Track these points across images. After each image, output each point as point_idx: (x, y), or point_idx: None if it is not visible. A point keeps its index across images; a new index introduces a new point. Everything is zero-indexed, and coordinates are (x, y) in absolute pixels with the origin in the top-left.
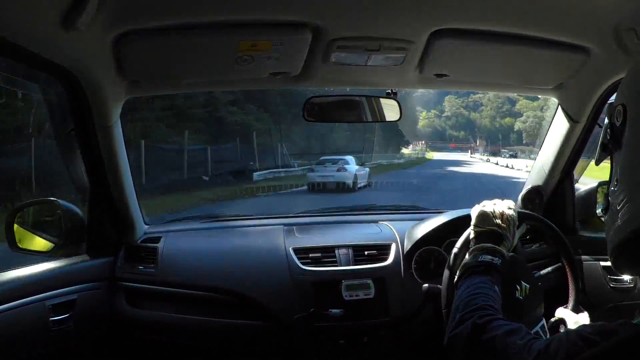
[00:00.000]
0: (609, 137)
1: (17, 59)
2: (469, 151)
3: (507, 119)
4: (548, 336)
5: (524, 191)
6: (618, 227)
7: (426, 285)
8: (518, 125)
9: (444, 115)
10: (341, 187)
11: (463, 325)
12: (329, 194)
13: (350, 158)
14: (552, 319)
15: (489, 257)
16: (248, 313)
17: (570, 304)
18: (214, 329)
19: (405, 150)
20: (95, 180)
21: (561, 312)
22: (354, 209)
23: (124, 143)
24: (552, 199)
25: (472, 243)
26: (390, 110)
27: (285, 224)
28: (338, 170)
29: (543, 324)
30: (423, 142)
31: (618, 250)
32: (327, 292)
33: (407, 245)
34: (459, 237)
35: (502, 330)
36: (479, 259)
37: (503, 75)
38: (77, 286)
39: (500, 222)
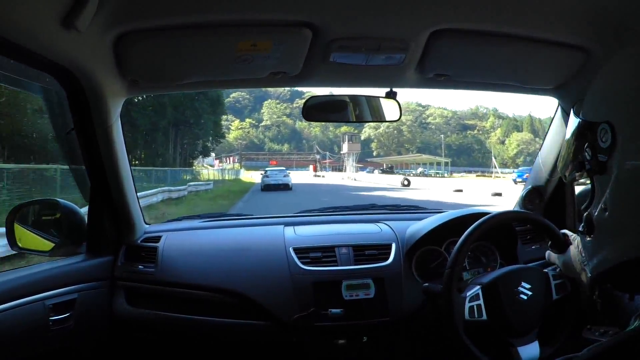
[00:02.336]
0: (589, 158)
1: (17, 59)
2: (312, 168)
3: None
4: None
5: (524, 191)
6: (604, 257)
7: (426, 285)
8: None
9: (262, 124)
10: None
11: None
12: None
13: None
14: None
15: None
16: (248, 313)
17: (552, 245)
18: (214, 328)
19: (205, 170)
20: (95, 180)
21: (549, 256)
22: (354, 209)
23: (123, 142)
24: (552, 199)
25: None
26: (390, 110)
27: (285, 224)
28: None
29: (551, 274)
30: (233, 157)
31: (603, 275)
32: (327, 292)
33: (408, 245)
34: (459, 237)
35: None
36: None
37: (503, 75)
38: (77, 286)
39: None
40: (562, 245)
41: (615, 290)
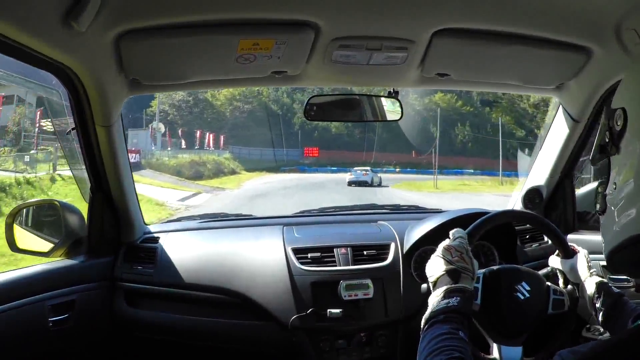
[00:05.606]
0: (607, 140)
1: (18, 57)
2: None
3: None
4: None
5: (524, 191)
6: (616, 232)
7: (425, 285)
8: None
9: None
10: None
11: None
12: None
13: None
14: (546, 269)
15: (445, 301)
16: (247, 313)
17: (559, 251)
18: (213, 328)
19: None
20: (95, 180)
21: (554, 262)
22: (353, 209)
23: (124, 142)
24: (553, 198)
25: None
26: (392, 109)
27: (284, 224)
28: None
29: (553, 288)
30: (212, 135)
31: (614, 253)
32: (326, 292)
33: (406, 245)
34: None
35: None
36: (435, 308)
37: (505, 75)
38: (76, 286)
39: (450, 258)
40: (569, 251)
41: (629, 275)
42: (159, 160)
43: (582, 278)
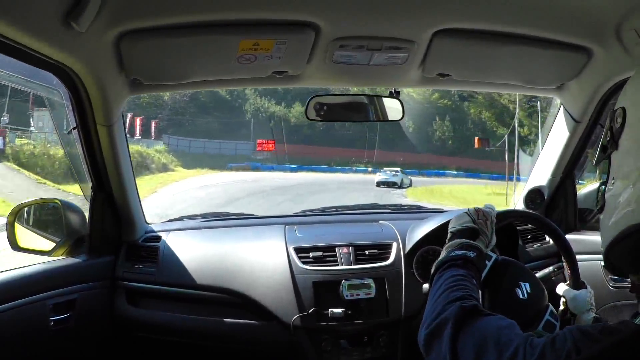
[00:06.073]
0: (608, 139)
1: (19, 58)
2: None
3: None
4: (558, 320)
5: (525, 191)
6: (614, 223)
7: (426, 285)
8: None
9: None
10: None
11: (447, 312)
12: None
13: None
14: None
15: (463, 251)
16: (248, 312)
17: (570, 280)
18: (214, 328)
19: None
20: (97, 179)
21: (561, 289)
22: (355, 208)
23: (126, 141)
24: (554, 198)
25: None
26: (393, 109)
27: (286, 223)
28: None
29: (551, 309)
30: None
31: (611, 247)
32: (327, 292)
33: (408, 245)
34: None
35: (492, 317)
36: (454, 254)
37: (505, 75)
38: (77, 285)
39: (475, 218)
40: (579, 283)
41: (627, 270)
42: (44, 149)
43: (581, 311)
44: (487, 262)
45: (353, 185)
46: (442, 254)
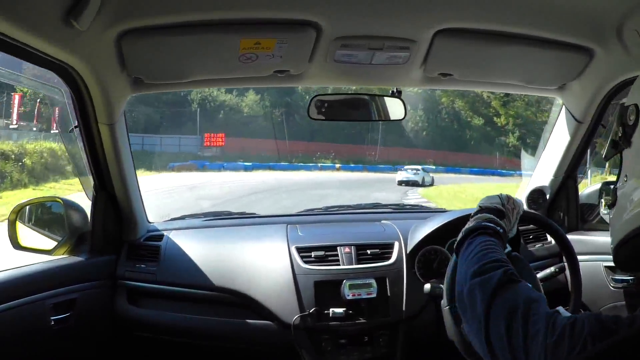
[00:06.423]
0: (620, 135)
1: (20, 56)
2: None
3: None
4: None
5: (527, 191)
6: (625, 221)
7: (428, 285)
8: None
9: None
10: None
11: (491, 273)
12: None
13: None
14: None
15: (493, 224)
16: (249, 312)
17: (570, 305)
18: (216, 328)
19: None
20: (98, 178)
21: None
22: (357, 208)
23: (127, 140)
24: (556, 198)
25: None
26: (395, 109)
27: (288, 223)
28: None
29: None
30: None
31: (621, 245)
32: (329, 291)
33: (410, 245)
34: None
35: (525, 286)
36: (484, 224)
37: (507, 75)
38: (78, 285)
39: (505, 203)
40: (578, 307)
41: (635, 269)
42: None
43: None
44: None
45: (335, 190)
46: (471, 224)
